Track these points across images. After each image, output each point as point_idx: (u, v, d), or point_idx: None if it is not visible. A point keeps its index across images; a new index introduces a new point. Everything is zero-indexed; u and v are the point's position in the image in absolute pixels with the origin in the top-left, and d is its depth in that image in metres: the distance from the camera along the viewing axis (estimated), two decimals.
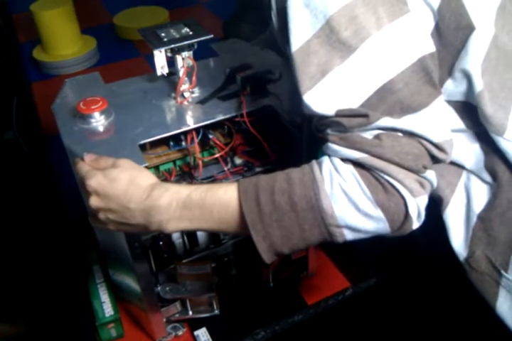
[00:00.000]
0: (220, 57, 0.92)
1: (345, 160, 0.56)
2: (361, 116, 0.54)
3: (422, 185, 0.55)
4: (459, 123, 0.61)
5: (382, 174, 0.54)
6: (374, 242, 0.59)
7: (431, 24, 0.56)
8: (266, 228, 0.57)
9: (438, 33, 0.56)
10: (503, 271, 0.60)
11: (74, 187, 0.75)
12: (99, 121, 0.76)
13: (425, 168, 0.55)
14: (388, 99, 0.54)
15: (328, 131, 0.58)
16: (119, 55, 1.85)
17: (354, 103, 0.54)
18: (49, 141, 1.43)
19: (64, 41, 1.79)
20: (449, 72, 0.58)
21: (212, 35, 0.75)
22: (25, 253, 1.19)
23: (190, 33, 0.76)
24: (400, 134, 0.54)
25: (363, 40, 0.53)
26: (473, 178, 0.62)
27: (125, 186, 0.61)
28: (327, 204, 0.55)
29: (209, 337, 0.97)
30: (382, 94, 0.54)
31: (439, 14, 0.55)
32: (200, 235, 0.90)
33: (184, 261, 0.91)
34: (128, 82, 0.86)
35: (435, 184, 0.57)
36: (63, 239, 1.15)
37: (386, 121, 0.54)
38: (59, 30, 1.76)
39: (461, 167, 0.62)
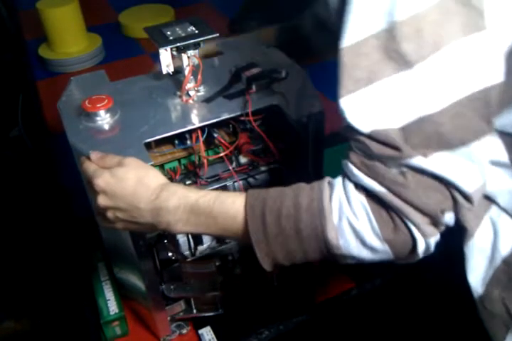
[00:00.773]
0: (225, 55, 0.92)
1: (359, 187, 0.53)
2: (394, 148, 0.49)
3: (436, 226, 0.53)
4: (504, 157, 0.54)
5: (397, 213, 0.52)
6: None
7: (508, 43, 0.48)
8: (270, 247, 0.57)
9: None
10: None
11: (79, 185, 0.75)
12: (104, 119, 0.76)
13: (443, 212, 0.52)
14: (429, 129, 0.49)
15: (354, 146, 0.53)
16: (125, 53, 1.85)
17: (392, 124, 0.49)
18: (54, 139, 1.43)
19: (70, 39, 1.79)
20: (510, 100, 0.50)
21: (217, 34, 0.75)
22: (30, 251, 1.19)
23: (196, 31, 0.76)
24: (428, 175, 0.50)
25: (424, 57, 0.47)
26: (504, 216, 0.57)
27: (133, 186, 0.61)
28: (332, 236, 0.54)
29: (213, 335, 0.97)
30: (424, 122, 0.48)
31: None
32: None
33: (189, 259, 0.91)
34: (133, 80, 0.86)
35: (452, 223, 0.54)
36: (68, 236, 1.16)
37: (417, 161, 0.49)
38: (65, 27, 1.77)
39: (493, 202, 0.57)
